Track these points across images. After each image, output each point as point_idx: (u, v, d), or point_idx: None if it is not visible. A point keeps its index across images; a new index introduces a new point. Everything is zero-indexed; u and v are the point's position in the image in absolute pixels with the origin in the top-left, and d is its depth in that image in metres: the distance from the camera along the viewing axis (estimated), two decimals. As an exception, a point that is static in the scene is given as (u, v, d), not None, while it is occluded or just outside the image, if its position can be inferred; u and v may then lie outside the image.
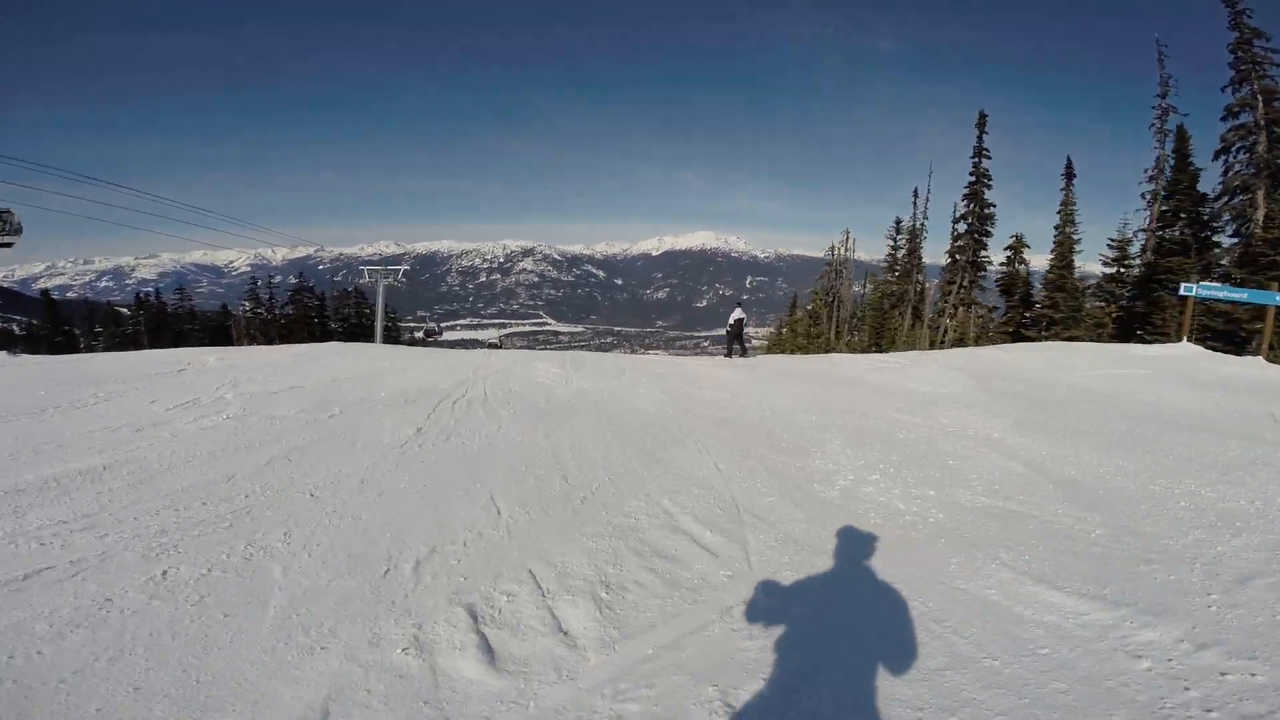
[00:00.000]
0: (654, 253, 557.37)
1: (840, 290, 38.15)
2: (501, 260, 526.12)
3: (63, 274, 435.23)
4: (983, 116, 29.05)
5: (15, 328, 63.72)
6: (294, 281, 51.30)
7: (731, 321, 18.52)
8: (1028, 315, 28.00)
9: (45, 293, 57.28)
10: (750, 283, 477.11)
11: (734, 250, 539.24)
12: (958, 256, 30.50)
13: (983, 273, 30.47)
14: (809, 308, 41.84)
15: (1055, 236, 27.45)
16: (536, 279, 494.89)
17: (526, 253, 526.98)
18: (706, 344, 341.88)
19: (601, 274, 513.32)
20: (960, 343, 27.79)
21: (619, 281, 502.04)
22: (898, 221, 35.34)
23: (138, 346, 48.13)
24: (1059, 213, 27.53)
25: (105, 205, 26.84)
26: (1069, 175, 27.76)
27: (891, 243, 35.58)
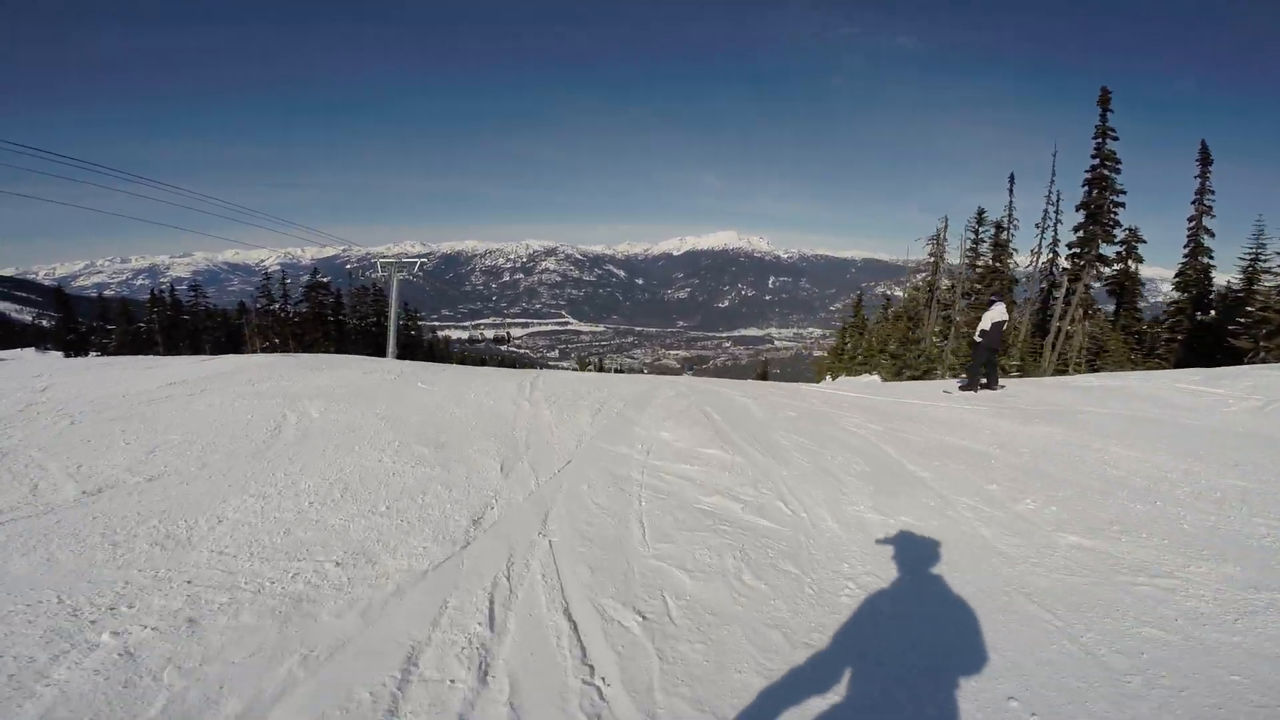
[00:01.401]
0: (675, 253, 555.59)
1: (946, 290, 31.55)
2: (524, 260, 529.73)
3: (100, 272, 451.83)
4: (1105, 93, 25.73)
5: (43, 321, 65.39)
6: (319, 279, 51.21)
7: (988, 326, 10.79)
8: (1217, 321, 23.63)
9: (59, 288, 58.45)
10: (773, 283, 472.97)
11: (756, 250, 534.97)
12: (1082, 251, 26.37)
13: (1107, 269, 26.70)
14: (889, 311, 36.16)
15: (1188, 230, 25.44)
16: (559, 278, 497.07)
17: (549, 252, 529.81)
18: (728, 344, 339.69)
19: (623, 274, 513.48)
20: (1098, 357, 25.02)
21: (640, 281, 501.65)
22: (980, 213, 30.59)
23: (150, 346, 49.00)
24: (1194, 203, 25.42)
25: (142, 200, 26.81)
26: (1204, 161, 25.22)
27: (973, 237, 30.76)
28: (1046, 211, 27.58)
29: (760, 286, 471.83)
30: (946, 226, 31.19)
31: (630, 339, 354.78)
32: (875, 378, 33.80)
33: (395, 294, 27.11)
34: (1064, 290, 26.86)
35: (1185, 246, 25.70)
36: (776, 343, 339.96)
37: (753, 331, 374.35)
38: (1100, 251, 25.52)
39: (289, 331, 45.87)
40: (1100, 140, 25.30)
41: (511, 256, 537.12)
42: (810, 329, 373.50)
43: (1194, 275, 25.63)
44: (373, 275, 28.52)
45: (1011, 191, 29.31)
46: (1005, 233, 28.99)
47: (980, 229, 30.34)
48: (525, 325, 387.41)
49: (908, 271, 34.37)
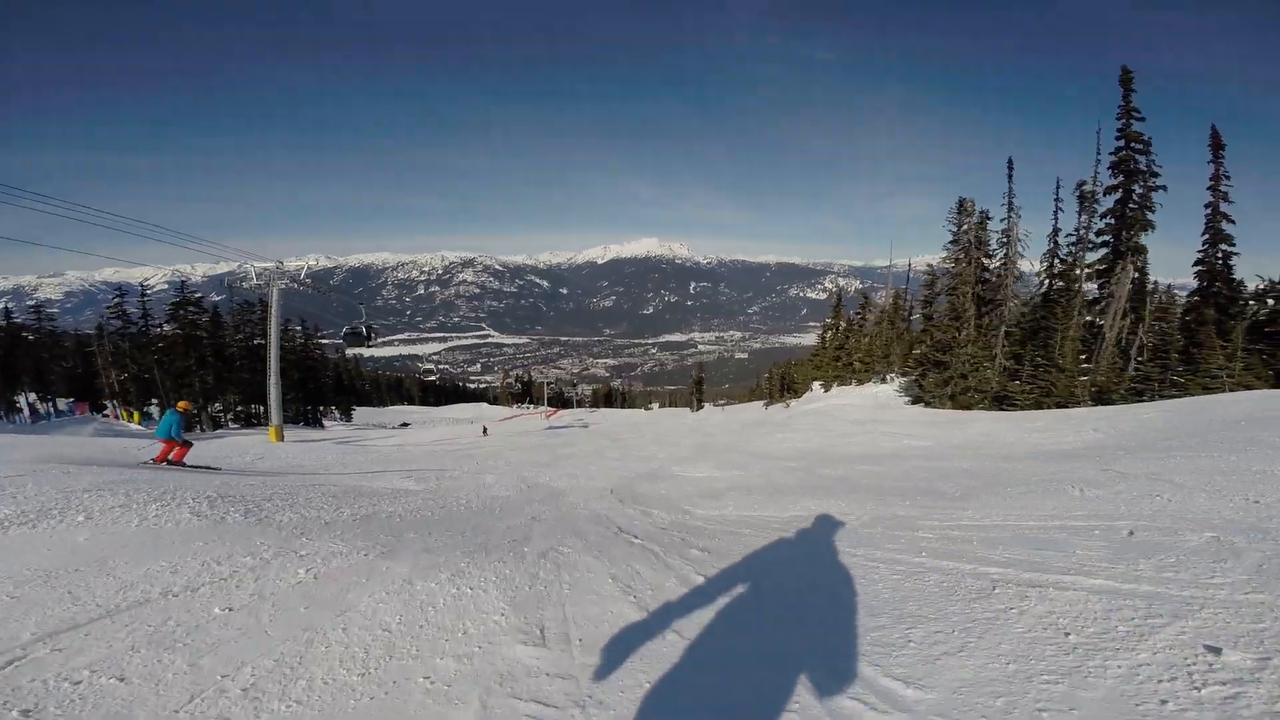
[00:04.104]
0: (599, 261, 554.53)
1: (1005, 283, 28.07)
2: (440, 272, 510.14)
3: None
4: (1127, 73, 24.81)
5: None
6: (189, 295, 42.76)
7: None
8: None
9: None
10: (694, 289, 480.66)
11: (678, 257, 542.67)
12: (1116, 240, 25.48)
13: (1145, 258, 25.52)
14: (924, 309, 33.52)
15: (1206, 217, 24.36)
16: (478, 290, 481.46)
17: (466, 264, 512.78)
18: (654, 350, 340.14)
19: (545, 284, 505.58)
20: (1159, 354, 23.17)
21: (564, 291, 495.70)
22: (960, 203, 29.29)
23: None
24: (1209, 189, 24.32)
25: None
26: (1216, 146, 24.24)
27: (951, 230, 29.44)
28: (1009, 216, 27.53)
29: (682, 292, 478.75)
30: (973, 207, 28.58)
31: (556, 349, 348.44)
32: (889, 388, 30.48)
33: (276, 309, 21.77)
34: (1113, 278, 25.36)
35: (1204, 234, 24.25)
36: (700, 347, 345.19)
37: (676, 337, 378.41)
38: (1133, 242, 23.78)
39: (152, 359, 37.52)
40: (1125, 121, 23.88)
41: (426, 269, 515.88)
42: (731, 332, 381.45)
43: (1215, 264, 24.75)
44: (247, 285, 22.16)
45: (1010, 178, 27.24)
46: (1007, 223, 27.30)
47: (963, 219, 27.99)
48: (443, 340, 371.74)
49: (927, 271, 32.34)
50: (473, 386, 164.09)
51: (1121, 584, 3.07)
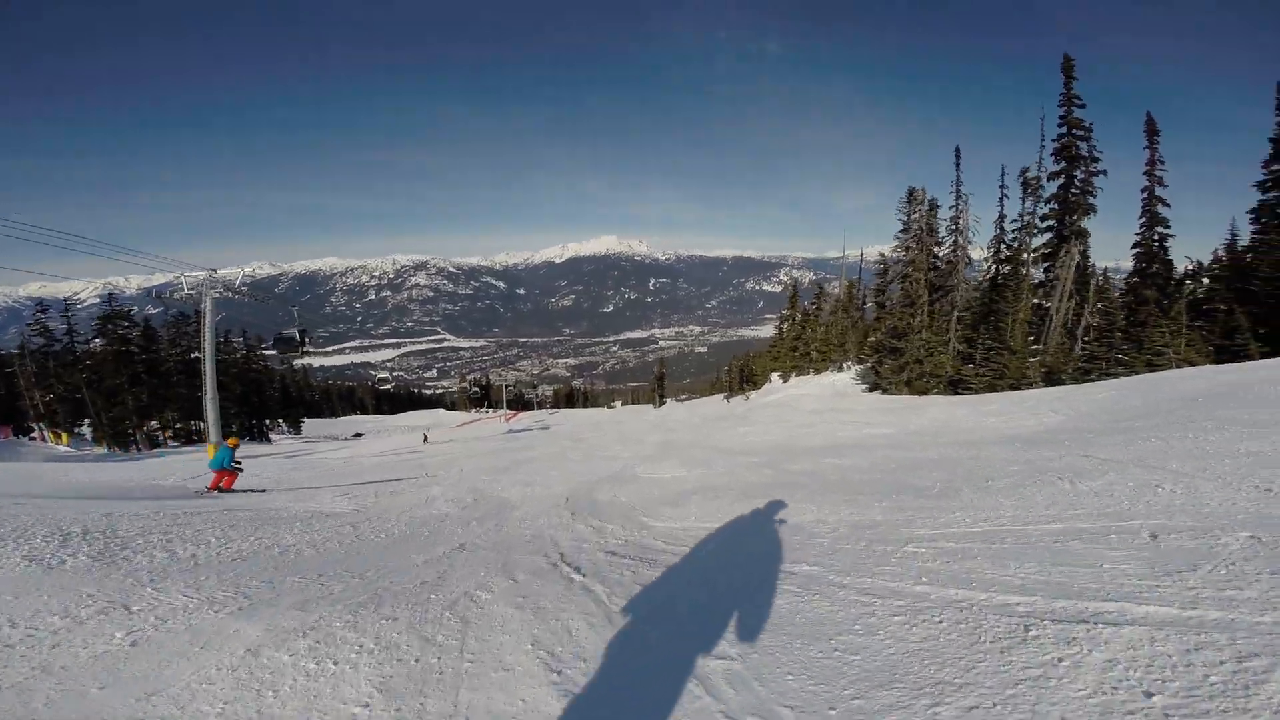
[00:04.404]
0: (557, 260, 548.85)
1: (956, 269, 28.43)
2: (392, 276, 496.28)
3: None
4: (1068, 60, 25.27)
5: None
6: (118, 309, 39.63)
7: None
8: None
9: None
10: (654, 285, 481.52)
11: (637, 254, 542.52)
12: (1060, 224, 26.04)
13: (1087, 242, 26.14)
14: (877, 298, 33.93)
15: (1143, 200, 25.01)
16: (431, 294, 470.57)
17: (419, 267, 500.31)
18: (615, 348, 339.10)
19: (502, 285, 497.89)
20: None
21: (521, 291, 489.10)
22: (910, 192, 29.62)
23: None
24: (1145, 174, 25.02)
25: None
26: (1151, 132, 24.96)
27: (902, 219, 29.93)
28: (958, 204, 27.99)
29: (642, 289, 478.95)
30: (923, 195, 29.08)
31: (515, 351, 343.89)
32: (846, 376, 30.45)
33: (210, 320, 20.13)
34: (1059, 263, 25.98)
35: (1140, 218, 24.91)
36: (661, 343, 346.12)
37: (637, 334, 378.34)
38: (1076, 226, 24.24)
39: (81, 377, 34.69)
40: (1066, 109, 24.33)
41: (377, 273, 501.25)
42: (690, 327, 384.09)
43: (1152, 246, 25.60)
44: (179, 296, 20.43)
45: (958, 166, 27.50)
46: (957, 210, 27.46)
47: (913, 208, 28.30)
48: (397, 346, 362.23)
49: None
50: (429, 393, 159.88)
51: (1182, 610, 2.49)
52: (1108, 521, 3.93)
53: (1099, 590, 2.82)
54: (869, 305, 38.59)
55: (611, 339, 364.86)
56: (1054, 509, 4.48)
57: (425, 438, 32.88)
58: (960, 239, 28.35)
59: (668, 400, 72.04)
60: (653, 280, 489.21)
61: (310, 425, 62.36)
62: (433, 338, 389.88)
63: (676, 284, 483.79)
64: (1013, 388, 22.70)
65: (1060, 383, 21.88)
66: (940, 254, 28.79)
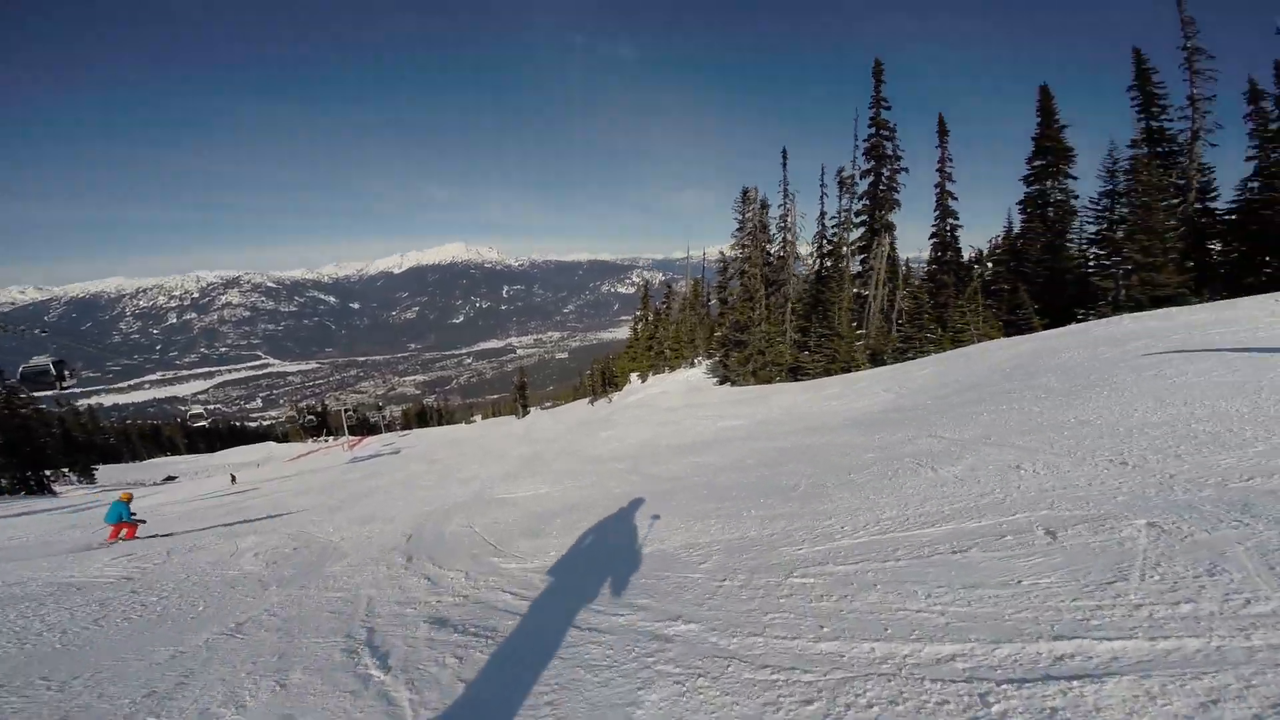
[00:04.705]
0: (396, 270, 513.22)
1: (787, 263, 30.30)
2: (196, 296, 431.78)
3: None
4: (878, 65, 27.37)
5: None
6: None
7: None
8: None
9: None
10: (507, 292, 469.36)
11: (487, 261, 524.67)
12: (872, 219, 27.98)
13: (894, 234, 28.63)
14: (719, 294, 34.66)
15: (936, 194, 27.60)
16: (248, 313, 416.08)
17: (230, 284, 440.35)
18: (470, 360, 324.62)
19: (333, 299, 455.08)
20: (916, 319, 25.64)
21: (356, 306, 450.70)
22: (744, 192, 31.59)
23: None
24: (938, 170, 27.50)
25: None
26: (942, 132, 27.62)
27: (738, 218, 31.73)
28: (785, 203, 29.81)
29: (495, 297, 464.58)
30: (756, 195, 30.60)
31: (354, 372, 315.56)
32: (698, 371, 30.81)
33: None
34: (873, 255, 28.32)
35: (935, 210, 28.08)
36: (519, 351, 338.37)
37: (493, 344, 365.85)
38: (885, 220, 26.66)
39: None
40: (875, 111, 26.51)
41: (177, 293, 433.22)
42: (549, 333, 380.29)
43: (945, 236, 28.67)
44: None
45: (785, 166, 29.19)
46: (785, 209, 29.10)
47: (747, 207, 29.83)
48: (209, 376, 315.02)
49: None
50: (255, 425, 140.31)
51: (1152, 642, 1.96)
52: (994, 518, 3.57)
53: (1038, 622, 2.26)
54: (713, 302, 40.24)
55: (464, 351, 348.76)
56: (930, 504, 4.12)
57: (233, 478, 28.21)
58: (789, 235, 30.46)
59: (532, 410, 69.86)
60: (506, 287, 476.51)
61: (107, 472, 51.96)
62: (253, 363, 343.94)
63: (531, 290, 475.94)
64: (844, 371, 24.47)
65: (884, 363, 23.98)
66: (772, 250, 30.67)
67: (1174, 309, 16.76)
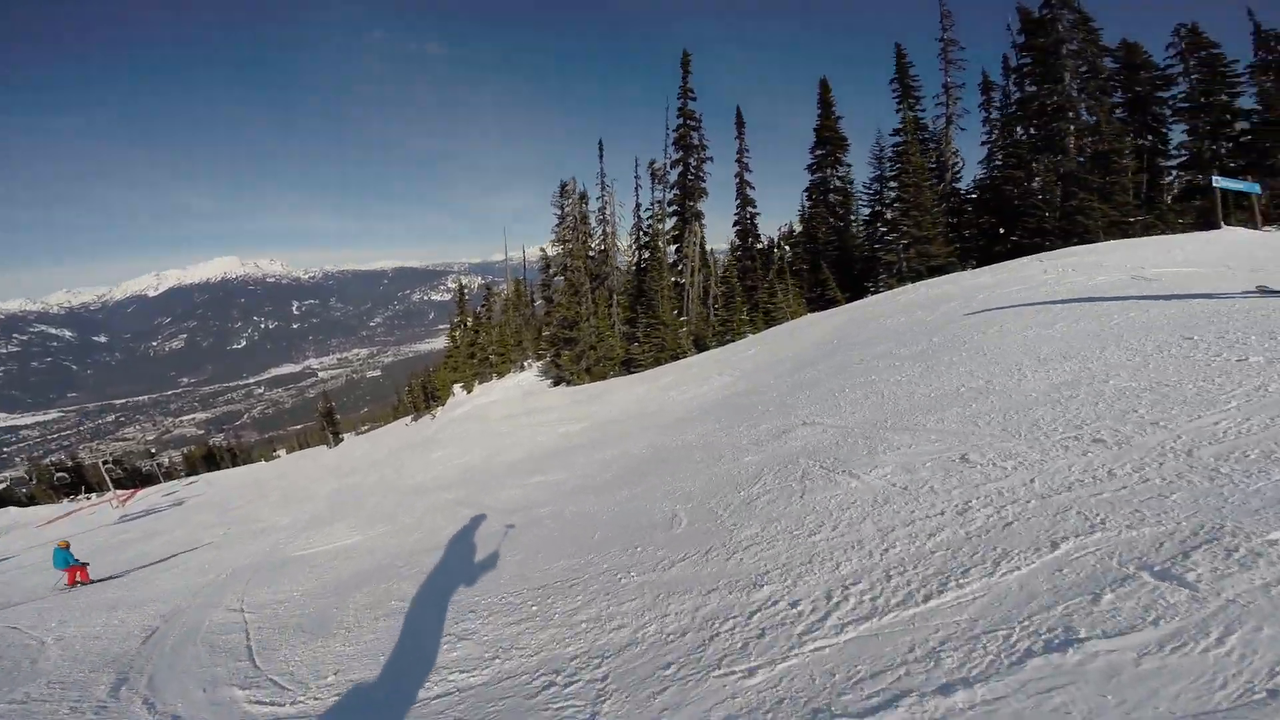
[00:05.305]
0: (152, 293, 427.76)
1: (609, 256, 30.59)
2: None
3: None
4: (686, 56, 27.57)
5: None
6: None
7: None
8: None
9: None
10: (298, 309, 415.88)
11: (269, 275, 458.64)
12: (683, 209, 28.70)
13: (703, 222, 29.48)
14: (544, 292, 33.35)
15: (736, 184, 29.05)
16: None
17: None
18: (261, 389, 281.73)
19: (69, 333, 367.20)
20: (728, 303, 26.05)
21: (102, 339, 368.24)
22: (562, 185, 30.49)
23: None
24: (736, 160, 28.90)
25: None
26: (740, 125, 28.91)
27: (557, 212, 30.75)
28: (603, 194, 30.34)
29: (283, 315, 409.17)
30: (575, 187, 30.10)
31: (111, 418, 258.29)
32: (530, 374, 28.46)
33: None
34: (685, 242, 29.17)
35: (736, 199, 29.35)
36: (321, 374, 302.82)
37: (287, 369, 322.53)
38: (696, 207, 27.02)
39: None
40: (683, 102, 26.59)
41: None
42: (355, 350, 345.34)
43: (746, 223, 30.15)
44: None
45: (601, 159, 28.62)
46: (603, 201, 28.84)
47: (566, 200, 28.88)
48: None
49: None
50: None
51: None
52: (1028, 554, 2.35)
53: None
54: (539, 302, 38.47)
55: (252, 380, 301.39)
56: (897, 543, 2.83)
57: None
58: (608, 229, 29.87)
59: (346, 436, 61.61)
60: (296, 303, 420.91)
61: None
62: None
63: (328, 304, 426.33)
64: (674, 358, 24.30)
65: (708, 347, 24.24)
66: (593, 245, 29.89)
67: (953, 275, 18.87)
